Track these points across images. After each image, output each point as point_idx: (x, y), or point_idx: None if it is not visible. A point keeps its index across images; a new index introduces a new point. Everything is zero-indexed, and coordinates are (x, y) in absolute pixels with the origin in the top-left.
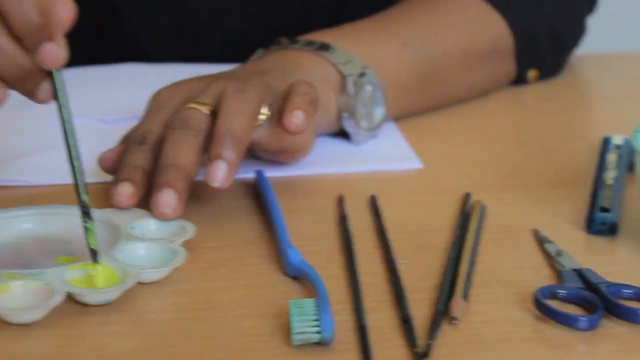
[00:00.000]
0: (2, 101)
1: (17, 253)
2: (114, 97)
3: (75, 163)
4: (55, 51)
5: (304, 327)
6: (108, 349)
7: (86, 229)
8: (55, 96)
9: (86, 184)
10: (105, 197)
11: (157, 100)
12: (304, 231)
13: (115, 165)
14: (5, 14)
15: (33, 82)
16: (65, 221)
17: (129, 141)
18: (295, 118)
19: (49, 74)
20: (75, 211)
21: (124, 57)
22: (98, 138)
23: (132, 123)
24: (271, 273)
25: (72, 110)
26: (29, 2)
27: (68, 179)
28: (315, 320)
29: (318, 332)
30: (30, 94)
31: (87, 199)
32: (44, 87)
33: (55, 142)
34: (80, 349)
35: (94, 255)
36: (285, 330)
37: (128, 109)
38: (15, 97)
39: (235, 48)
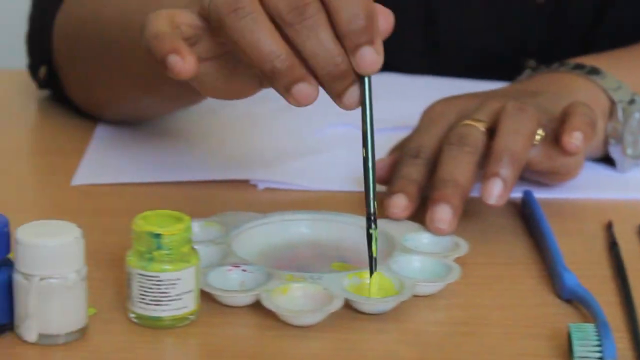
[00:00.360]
0: (314, 99)
1: (293, 256)
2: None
3: (371, 171)
4: (374, 56)
5: (586, 351)
6: (385, 357)
7: (370, 236)
8: (361, 103)
9: (376, 193)
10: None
11: (431, 114)
12: (574, 255)
13: (385, 175)
14: (334, 11)
15: (342, 84)
16: (338, 228)
17: (404, 154)
18: (575, 139)
19: (359, 79)
20: (347, 219)
21: None
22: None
23: (393, 134)
24: (544, 294)
25: (333, 116)
26: (361, 4)
27: (337, 186)
28: (597, 345)
29: (600, 358)
30: (337, 97)
31: (375, 206)
32: (353, 92)
33: (322, 147)
34: (357, 354)
35: (373, 263)
36: (562, 353)
37: (388, 119)
38: (281, 101)
39: (483, 66)
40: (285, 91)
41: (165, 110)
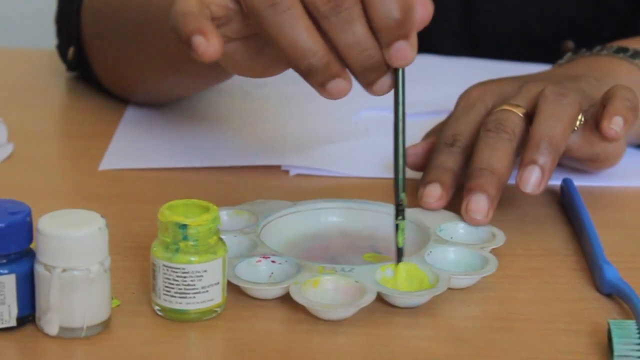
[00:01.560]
0: (347, 93)
1: (324, 246)
2: (408, 89)
3: (400, 160)
4: (407, 50)
5: (627, 350)
6: (419, 353)
7: (397, 227)
8: (392, 92)
9: (405, 182)
10: (410, 194)
11: (467, 99)
12: (615, 246)
13: (419, 161)
14: (370, 4)
15: (374, 75)
16: (370, 217)
17: (439, 141)
18: (615, 124)
19: (392, 70)
20: (380, 208)
21: None
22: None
23: (429, 119)
24: (583, 288)
25: (368, 100)
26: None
27: (370, 172)
28: (638, 344)
29: None
30: (368, 86)
31: (404, 197)
32: (384, 82)
33: (356, 132)
34: (390, 350)
35: (399, 255)
36: (602, 350)
37: (424, 103)
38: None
39: (521, 47)
40: (320, 86)
41: (193, 89)
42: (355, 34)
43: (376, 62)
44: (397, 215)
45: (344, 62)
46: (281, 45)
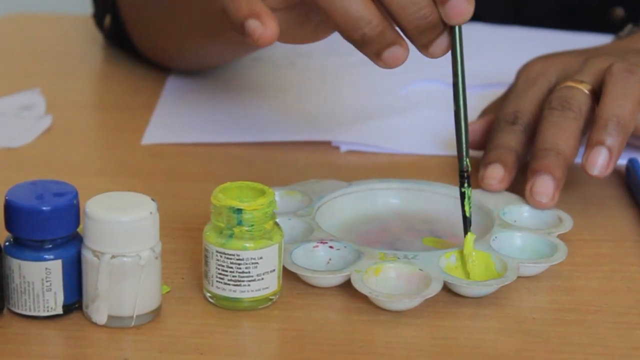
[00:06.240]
0: (404, 60)
1: (381, 229)
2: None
3: (463, 124)
4: (464, 5)
5: None
6: (486, 347)
7: (463, 195)
8: (450, 52)
9: (469, 148)
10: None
11: (528, 74)
12: None
13: (478, 139)
14: None
15: (430, 36)
16: (427, 198)
17: (499, 119)
18: None
19: (448, 29)
20: (438, 189)
21: None
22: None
23: (483, 92)
24: None
25: (419, 71)
26: None
27: (424, 149)
28: None
29: None
30: (424, 48)
31: (468, 162)
32: (441, 42)
33: (408, 106)
34: (456, 343)
35: (466, 224)
36: None
37: (476, 74)
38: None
39: (567, 14)
40: (376, 56)
41: (233, 56)
42: None
43: (432, 21)
44: (462, 183)
45: (398, 27)
46: (332, 16)
